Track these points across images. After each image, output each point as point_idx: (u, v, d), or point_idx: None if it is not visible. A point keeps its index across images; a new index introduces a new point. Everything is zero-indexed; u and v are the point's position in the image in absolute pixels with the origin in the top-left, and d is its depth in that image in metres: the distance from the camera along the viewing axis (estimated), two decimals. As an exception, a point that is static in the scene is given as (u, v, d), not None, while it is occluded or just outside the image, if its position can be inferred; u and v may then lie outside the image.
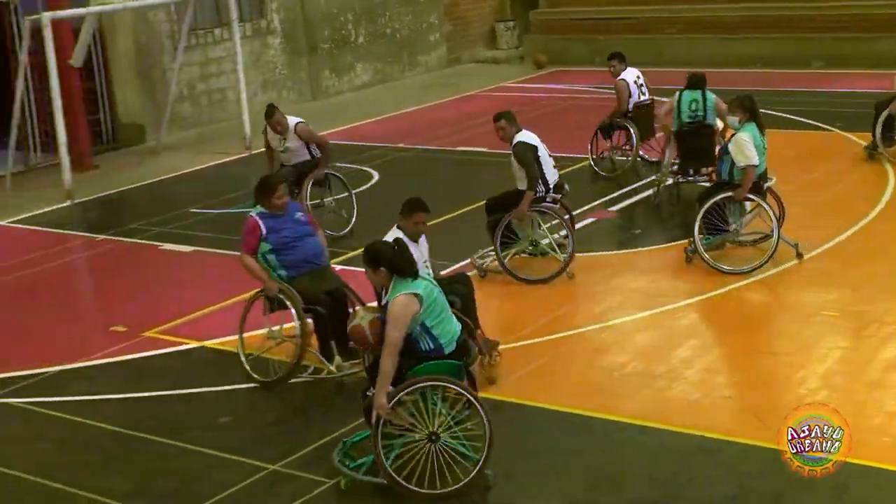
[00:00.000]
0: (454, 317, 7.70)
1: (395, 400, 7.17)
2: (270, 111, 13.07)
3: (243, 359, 9.37)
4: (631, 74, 14.92)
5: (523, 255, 11.51)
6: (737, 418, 8.29)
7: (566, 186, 11.64)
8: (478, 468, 7.22)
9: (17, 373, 9.92)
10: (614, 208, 13.81)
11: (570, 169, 14.39)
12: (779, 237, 11.06)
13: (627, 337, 9.90)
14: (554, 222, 11.60)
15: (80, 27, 17.52)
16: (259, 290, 9.39)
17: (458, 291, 8.90)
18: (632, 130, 14.75)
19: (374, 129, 19.63)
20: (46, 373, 9.89)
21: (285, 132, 12.94)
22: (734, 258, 11.34)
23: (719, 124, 13.22)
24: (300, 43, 22.66)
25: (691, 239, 11.29)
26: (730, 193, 11.14)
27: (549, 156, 11.38)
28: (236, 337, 9.46)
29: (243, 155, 18.00)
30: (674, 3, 24.76)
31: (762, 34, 23.47)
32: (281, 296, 9.19)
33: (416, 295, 7.26)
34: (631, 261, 11.93)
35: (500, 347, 9.25)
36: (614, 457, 7.76)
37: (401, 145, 17.96)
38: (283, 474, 7.74)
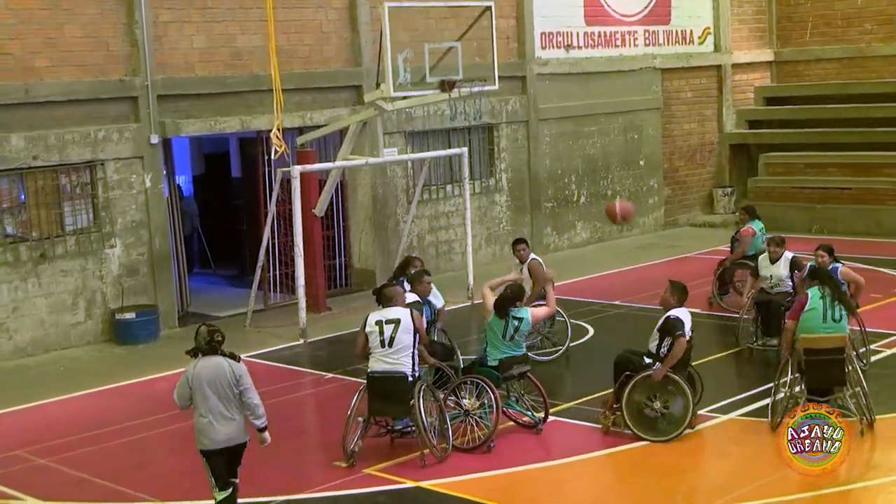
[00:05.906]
0: None
1: None
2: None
3: None
4: None
5: None
6: None
7: None
8: None
9: (243, 500, 10.47)
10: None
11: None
12: None
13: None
14: None
15: (326, 179, 19.10)
16: None
17: None
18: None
19: (590, 286, 20.41)
20: (271, 502, 10.70)
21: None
22: None
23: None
24: (525, 201, 23.83)
25: None
26: None
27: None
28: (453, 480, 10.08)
29: (465, 304, 19.00)
30: (893, 175, 24.91)
31: None
32: None
33: None
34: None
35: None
36: None
37: (616, 303, 18.66)
38: None
